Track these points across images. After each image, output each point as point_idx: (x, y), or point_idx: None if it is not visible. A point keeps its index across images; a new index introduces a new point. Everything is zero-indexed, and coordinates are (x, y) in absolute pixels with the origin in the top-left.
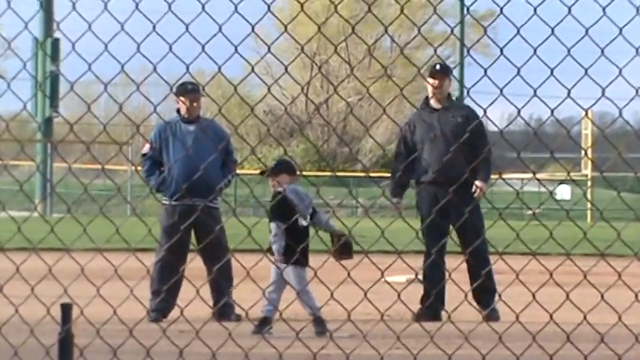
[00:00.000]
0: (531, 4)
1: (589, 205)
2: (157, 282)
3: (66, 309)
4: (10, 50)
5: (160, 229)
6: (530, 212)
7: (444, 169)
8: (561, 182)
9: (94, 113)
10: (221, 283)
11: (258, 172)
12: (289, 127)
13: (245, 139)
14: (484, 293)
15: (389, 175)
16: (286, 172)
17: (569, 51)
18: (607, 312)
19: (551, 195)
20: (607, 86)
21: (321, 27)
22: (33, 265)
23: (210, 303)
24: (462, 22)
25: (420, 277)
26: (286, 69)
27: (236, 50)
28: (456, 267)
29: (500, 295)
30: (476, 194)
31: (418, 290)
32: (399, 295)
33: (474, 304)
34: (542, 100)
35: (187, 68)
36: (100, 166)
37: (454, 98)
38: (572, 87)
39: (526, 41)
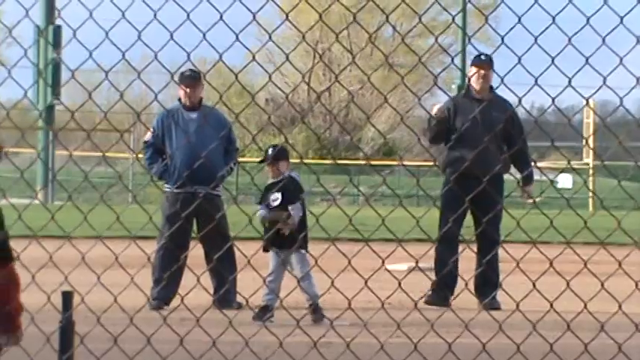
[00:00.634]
0: None
1: (590, 193)
2: (158, 270)
3: (67, 297)
4: (12, 38)
5: (161, 216)
6: (531, 201)
7: (480, 163)
8: (562, 171)
9: (95, 101)
10: (222, 271)
11: (258, 160)
12: (291, 115)
13: (246, 127)
14: (486, 285)
15: (390, 163)
16: (286, 158)
17: (570, 40)
18: (607, 301)
19: (552, 183)
20: (608, 75)
21: (323, 15)
22: (34, 252)
23: (211, 291)
24: (463, 11)
25: (421, 265)
26: (287, 57)
27: (237, 38)
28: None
29: (501, 284)
30: (525, 198)
31: (419, 278)
32: (399, 284)
33: (476, 292)
34: (543, 89)
35: (188, 56)
36: (101, 154)
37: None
38: (573, 76)
39: (527, 30)
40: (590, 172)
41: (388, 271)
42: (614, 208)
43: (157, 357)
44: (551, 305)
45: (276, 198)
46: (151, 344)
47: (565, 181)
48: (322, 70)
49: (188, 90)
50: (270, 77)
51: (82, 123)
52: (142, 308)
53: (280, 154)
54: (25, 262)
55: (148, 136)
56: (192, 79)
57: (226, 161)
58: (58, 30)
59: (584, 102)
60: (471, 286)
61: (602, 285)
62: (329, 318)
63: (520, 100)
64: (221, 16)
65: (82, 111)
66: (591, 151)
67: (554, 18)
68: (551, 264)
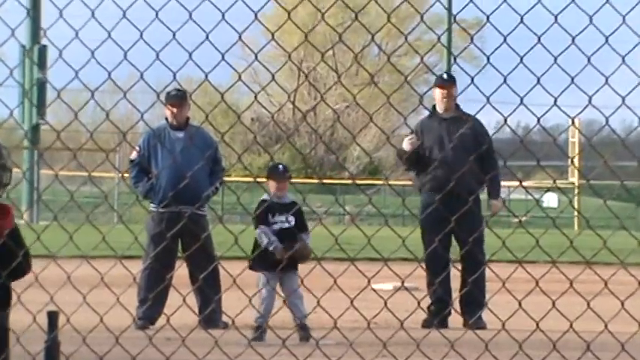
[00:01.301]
0: (518, 13)
1: (576, 213)
2: (144, 290)
3: (52, 316)
4: None
5: (146, 236)
6: (516, 220)
7: (450, 181)
8: (548, 190)
9: (80, 121)
10: (207, 291)
11: (286, 176)
12: (276, 135)
13: (231, 146)
14: (472, 304)
15: (376, 182)
16: None
17: (555, 59)
18: (593, 320)
19: (537, 203)
20: (593, 94)
21: (308, 35)
22: None
23: (197, 310)
24: (449, 31)
25: (407, 284)
26: (273, 77)
27: (223, 58)
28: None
29: (486, 304)
30: (492, 212)
31: (405, 298)
32: (385, 303)
33: (461, 312)
34: (528, 109)
35: (174, 76)
36: (86, 174)
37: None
38: (559, 95)
39: (513, 50)
40: (576, 191)
41: (374, 290)
42: (599, 227)
43: None
44: (537, 325)
45: (286, 220)
46: None
47: (551, 200)
48: (307, 89)
49: (174, 109)
50: (255, 97)
51: (67, 143)
52: (127, 328)
53: (289, 172)
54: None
55: (134, 155)
56: (178, 98)
57: (212, 181)
58: (43, 49)
59: (570, 121)
60: (457, 305)
61: (588, 304)
62: (315, 338)
63: (506, 120)
64: (207, 36)
65: (67, 130)
66: (577, 171)
67: (539, 38)
68: (537, 283)
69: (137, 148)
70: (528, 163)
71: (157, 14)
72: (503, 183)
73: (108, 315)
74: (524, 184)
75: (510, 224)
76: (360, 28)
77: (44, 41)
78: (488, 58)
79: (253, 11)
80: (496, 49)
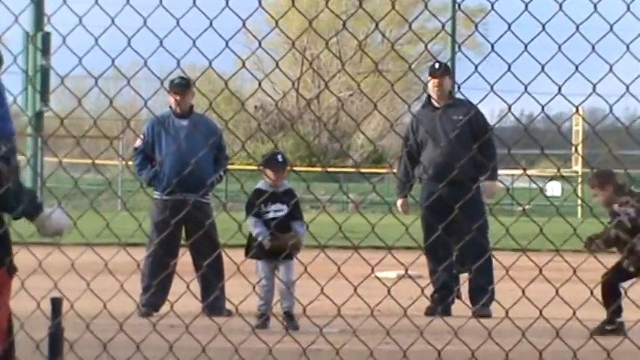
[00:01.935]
0: (522, 1)
1: (579, 201)
2: (147, 277)
3: (56, 303)
4: (1, 44)
5: (150, 223)
6: (520, 208)
7: (447, 168)
8: (552, 178)
9: (84, 107)
10: (210, 278)
11: (261, 163)
12: (280, 122)
13: (235, 134)
14: (478, 292)
15: (380, 170)
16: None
17: (559, 47)
18: (596, 308)
19: (541, 191)
20: (597, 83)
21: (312, 22)
22: (23, 259)
23: (200, 298)
24: (453, 18)
25: (410, 272)
26: (277, 64)
27: (227, 45)
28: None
29: (493, 292)
30: (486, 195)
31: (408, 286)
32: (389, 291)
33: (466, 300)
34: (532, 97)
35: (178, 63)
36: (90, 161)
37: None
38: (563, 83)
39: (517, 37)
40: (580, 179)
41: (377, 278)
42: (603, 215)
43: None
44: (541, 312)
45: (279, 209)
46: (140, 351)
47: (554, 188)
48: (311, 77)
49: (178, 97)
50: (259, 84)
51: (71, 129)
52: (131, 315)
53: (288, 162)
54: None
55: (138, 142)
56: (181, 86)
57: (216, 169)
58: (47, 36)
59: (574, 109)
60: (462, 293)
61: (592, 292)
62: (318, 325)
63: (510, 108)
64: (210, 23)
65: (71, 117)
66: (580, 159)
67: (544, 25)
68: (540, 271)
69: (141, 135)
70: (532, 151)
71: (160, 1)
72: (507, 171)
73: (111, 302)
74: (528, 172)
75: (514, 212)
76: (363, 15)
77: (48, 28)
78: (492, 46)
79: None
80: (500, 37)
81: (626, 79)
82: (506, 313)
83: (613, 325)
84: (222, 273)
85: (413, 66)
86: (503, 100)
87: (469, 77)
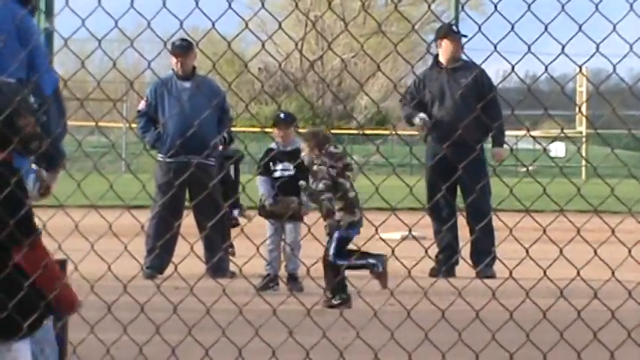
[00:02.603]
0: None
1: (583, 161)
2: (151, 239)
3: (61, 264)
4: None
5: (154, 185)
6: (524, 169)
7: (453, 130)
8: (555, 139)
9: (88, 70)
10: (214, 240)
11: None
12: (283, 84)
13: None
14: (480, 254)
15: (383, 132)
16: (296, 126)
17: (563, 7)
18: (600, 268)
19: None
20: (601, 42)
21: None
22: None
23: (204, 260)
24: None
25: (414, 233)
26: (280, 25)
27: (230, 6)
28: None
29: (495, 253)
30: (496, 160)
31: (412, 247)
32: (393, 252)
33: (469, 261)
34: (536, 57)
35: (181, 25)
36: (94, 123)
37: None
38: (567, 43)
39: None
40: (584, 140)
41: (382, 239)
42: (607, 176)
43: (150, 325)
44: (545, 272)
45: (286, 168)
46: (144, 312)
47: (558, 149)
48: (315, 38)
49: (179, 59)
50: (263, 45)
51: (75, 92)
52: (135, 276)
53: (293, 120)
54: None
55: (142, 105)
56: (182, 48)
57: (219, 130)
58: None
59: (578, 70)
60: (465, 254)
61: (595, 252)
62: (322, 286)
63: (513, 68)
64: None
65: (74, 80)
66: (584, 119)
67: None
68: (544, 232)
69: (145, 98)
70: (536, 112)
71: None
72: (510, 132)
73: (116, 264)
74: (532, 133)
75: (518, 173)
76: None
77: None
78: (495, 6)
79: None
80: None
81: (630, 39)
82: (510, 273)
83: (338, 300)
84: (226, 234)
85: (416, 27)
86: (507, 61)
87: (472, 37)
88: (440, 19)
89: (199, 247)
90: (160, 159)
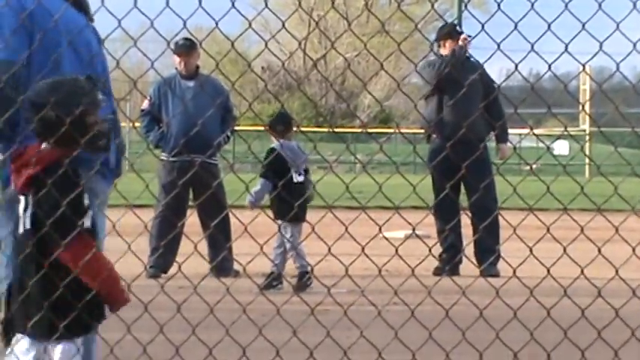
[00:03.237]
0: None
1: (587, 160)
2: (155, 238)
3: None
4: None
5: (158, 185)
6: (527, 167)
7: (461, 128)
8: (559, 137)
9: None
10: (218, 239)
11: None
12: (286, 83)
13: (242, 94)
14: (484, 252)
15: (387, 130)
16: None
17: (566, 5)
18: (604, 266)
19: (548, 150)
20: (604, 40)
21: None
22: None
23: (208, 259)
24: None
25: (418, 232)
26: (284, 24)
27: (233, 5)
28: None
29: (499, 252)
30: (501, 157)
31: (416, 245)
32: (396, 251)
33: (473, 259)
34: (539, 55)
35: (184, 24)
36: None
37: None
38: (570, 42)
39: None
40: (587, 138)
41: (385, 238)
42: (610, 174)
43: (154, 324)
44: (548, 271)
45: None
46: (148, 311)
47: (562, 147)
48: (318, 38)
49: (182, 59)
50: (266, 44)
51: None
52: (139, 276)
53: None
54: None
55: (145, 104)
56: (185, 47)
57: (223, 129)
58: None
59: (581, 68)
60: (469, 253)
61: (599, 251)
62: (326, 285)
63: (517, 66)
64: None
65: None
66: (588, 118)
67: None
68: (548, 230)
69: (148, 97)
70: (539, 110)
71: None
72: (514, 130)
73: (120, 263)
74: (535, 131)
75: (521, 171)
76: None
77: None
78: (498, 5)
79: None
80: None
81: (633, 37)
82: (514, 272)
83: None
84: (230, 234)
85: (419, 26)
86: (510, 59)
87: (476, 36)
88: (443, 18)
89: (203, 246)
90: (164, 158)
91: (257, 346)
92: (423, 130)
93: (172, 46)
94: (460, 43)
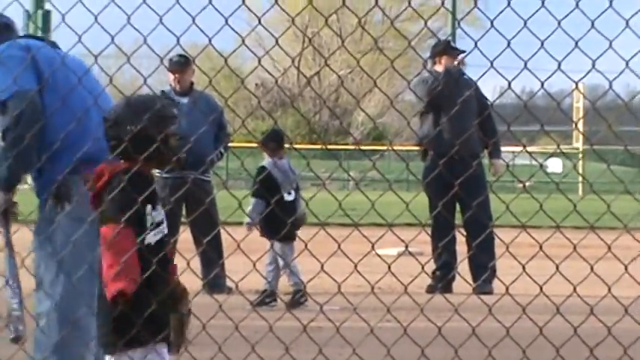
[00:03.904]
0: None
1: (580, 177)
2: None
3: None
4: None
5: None
6: (520, 185)
7: (460, 143)
8: (552, 155)
9: (84, 85)
10: (211, 256)
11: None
12: (280, 100)
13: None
14: (480, 269)
15: (380, 148)
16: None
17: (559, 23)
18: (597, 284)
19: (541, 168)
20: (597, 59)
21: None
22: (28, 238)
23: (201, 276)
24: None
25: (411, 249)
26: (277, 41)
27: (226, 22)
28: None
29: (494, 269)
30: (495, 173)
31: (409, 263)
32: (389, 268)
33: (467, 277)
34: (532, 73)
35: (178, 41)
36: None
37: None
38: (563, 59)
39: (516, 13)
40: (580, 156)
41: (378, 255)
42: (603, 192)
43: None
44: (541, 289)
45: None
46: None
47: (555, 165)
48: (312, 54)
49: (177, 75)
50: (259, 61)
51: None
52: None
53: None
54: (17, 246)
55: None
56: (180, 64)
57: (216, 146)
58: (47, 15)
59: (574, 86)
60: (461, 270)
61: (592, 268)
62: (319, 302)
63: (510, 84)
64: (210, 1)
65: None
66: (581, 136)
67: (543, 1)
68: (540, 248)
69: None
70: (532, 128)
71: None
72: (507, 148)
73: None
74: (529, 149)
75: (514, 189)
76: None
77: (48, 6)
78: (491, 22)
79: None
80: (500, 12)
81: (626, 55)
82: (507, 289)
83: None
84: (222, 251)
85: (413, 43)
86: (503, 77)
87: (469, 53)
88: (436, 36)
89: (196, 263)
90: (157, 174)
91: None
92: (418, 148)
93: (166, 62)
94: (455, 63)
